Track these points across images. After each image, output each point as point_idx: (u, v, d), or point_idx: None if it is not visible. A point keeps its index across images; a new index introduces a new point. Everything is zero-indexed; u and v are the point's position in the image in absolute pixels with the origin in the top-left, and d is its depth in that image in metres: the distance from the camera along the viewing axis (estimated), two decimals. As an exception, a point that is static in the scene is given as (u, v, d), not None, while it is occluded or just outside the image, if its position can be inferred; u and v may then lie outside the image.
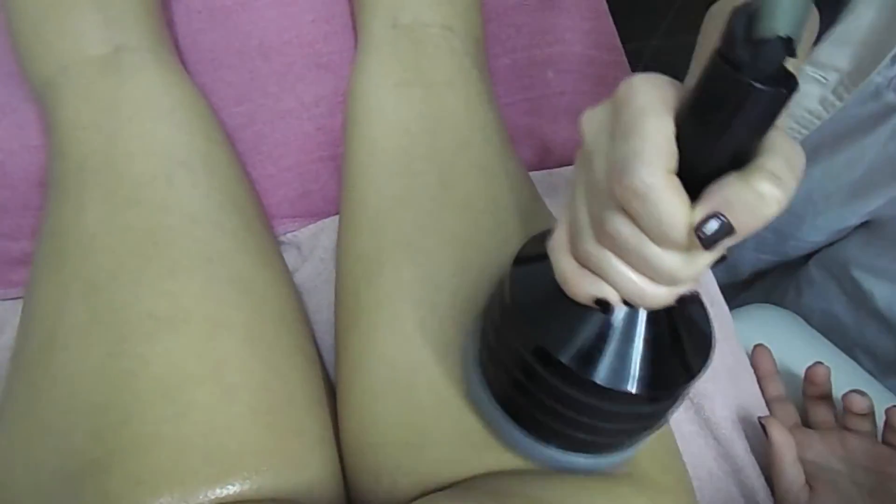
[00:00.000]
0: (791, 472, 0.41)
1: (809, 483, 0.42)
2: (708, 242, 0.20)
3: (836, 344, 0.55)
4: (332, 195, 0.50)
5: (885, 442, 0.42)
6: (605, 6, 0.57)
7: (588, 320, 0.24)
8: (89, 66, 0.41)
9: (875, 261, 0.56)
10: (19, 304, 0.44)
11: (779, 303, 0.60)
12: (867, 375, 0.51)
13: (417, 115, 0.42)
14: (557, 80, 0.53)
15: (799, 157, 0.20)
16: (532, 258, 0.27)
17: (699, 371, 0.25)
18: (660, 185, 0.20)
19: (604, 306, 0.24)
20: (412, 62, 0.44)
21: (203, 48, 0.53)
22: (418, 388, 0.34)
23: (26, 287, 0.38)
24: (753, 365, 0.48)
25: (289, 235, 0.49)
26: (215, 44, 0.53)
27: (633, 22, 0.56)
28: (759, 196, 0.19)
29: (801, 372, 0.48)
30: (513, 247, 0.29)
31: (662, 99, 0.20)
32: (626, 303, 0.24)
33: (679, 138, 0.20)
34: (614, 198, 0.21)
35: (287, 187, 0.50)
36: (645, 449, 0.33)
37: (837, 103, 0.49)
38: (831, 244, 0.62)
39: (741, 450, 0.43)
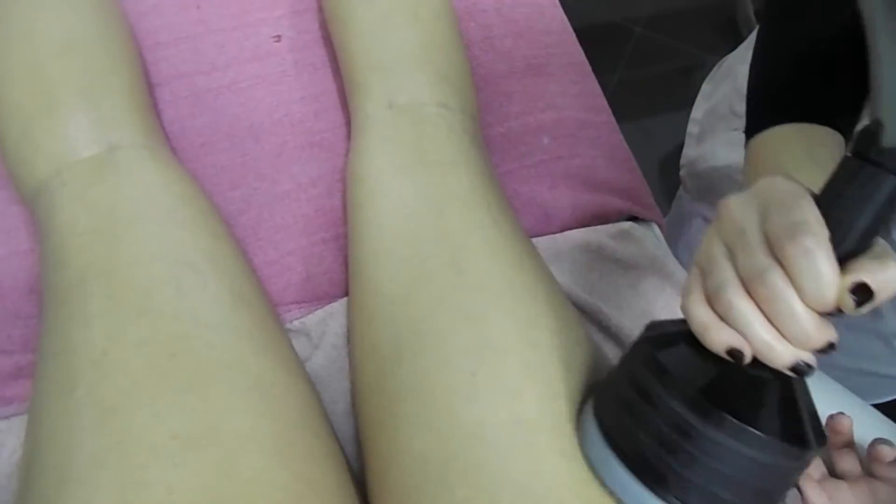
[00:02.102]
0: (829, 528, 0.41)
1: (847, 537, 0.41)
2: (858, 304, 0.25)
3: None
4: (338, 277, 0.49)
5: (913, 488, 0.42)
6: (589, 67, 0.59)
7: (720, 365, 0.28)
8: (83, 168, 0.40)
9: None
10: (14, 422, 0.41)
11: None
12: (883, 417, 0.51)
13: (423, 197, 0.41)
14: (553, 145, 0.53)
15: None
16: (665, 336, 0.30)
17: (817, 445, 0.28)
18: (822, 250, 0.25)
19: (736, 357, 0.27)
20: (412, 143, 0.43)
21: (192, 134, 0.52)
22: (451, 481, 0.33)
23: (31, 412, 0.35)
24: (773, 417, 0.48)
25: (296, 323, 0.47)
26: (204, 128, 0.52)
27: (594, 57, 0.58)
28: (890, 273, 0.25)
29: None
30: (530, 324, 0.31)
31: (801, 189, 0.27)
32: (756, 362, 0.27)
33: None
34: (776, 255, 0.26)
35: (290, 272, 0.48)
36: None
37: None
38: None
39: (776, 509, 0.43)
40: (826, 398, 0.52)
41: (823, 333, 0.26)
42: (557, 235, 0.51)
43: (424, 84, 0.46)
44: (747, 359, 0.27)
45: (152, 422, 0.32)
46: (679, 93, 1.03)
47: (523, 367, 0.34)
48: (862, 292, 0.25)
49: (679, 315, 0.30)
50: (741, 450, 0.27)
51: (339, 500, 0.34)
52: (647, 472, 0.29)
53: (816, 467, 0.46)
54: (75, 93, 0.41)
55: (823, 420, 0.47)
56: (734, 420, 0.27)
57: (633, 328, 0.47)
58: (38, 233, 0.41)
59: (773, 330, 0.26)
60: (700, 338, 0.27)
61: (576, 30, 0.60)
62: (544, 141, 0.53)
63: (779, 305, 0.25)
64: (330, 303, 0.48)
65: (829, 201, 0.26)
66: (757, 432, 0.27)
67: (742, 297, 0.26)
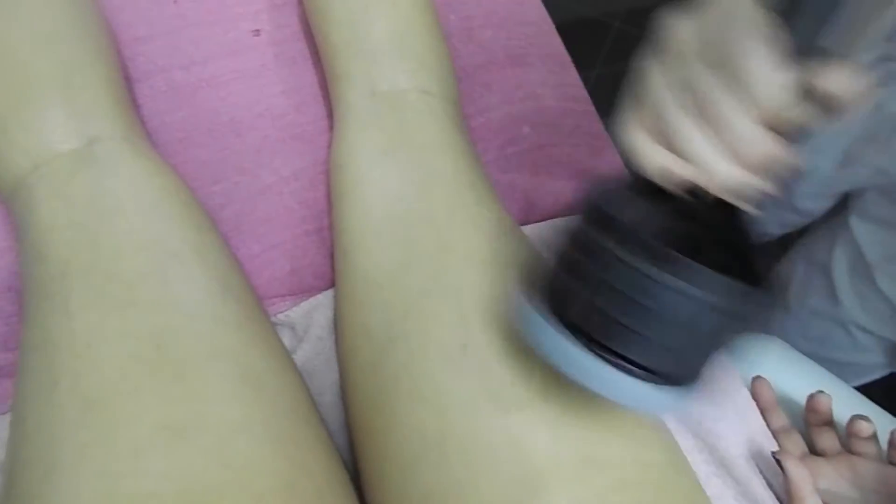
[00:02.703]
0: (811, 504, 0.42)
1: (829, 512, 0.42)
2: (802, 106, 0.23)
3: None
4: (322, 270, 0.49)
5: (891, 462, 0.43)
6: (569, 57, 0.59)
7: (663, 207, 0.26)
8: (62, 162, 0.39)
9: (878, 214, 0.61)
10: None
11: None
12: (860, 396, 0.53)
13: (409, 181, 0.41)
14: (534, 134, 0.54)
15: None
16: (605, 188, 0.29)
17: (769, 285, 0.27)
18: (762, 46, 0.23)
19: (672, 179, 0.26)
20: (395, 129, 0.44)
21: (171, 129, 0.51)
22: (448, 452, 0.33)
23: (14, 408, 0.35)
24: (754, 397, 0.49)
25: (281, 316, 0.47)
26: (184, 123, 0.52)
27: (573, 52, 0.59)
28: (842, 77, 0.23)
29: (797, 398, 0.49)
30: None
31: None
32: (696, 195, 0.26)
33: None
34: (716, 61, 0.24)
35: (274, 266, 0.48)
36: (669, 482, 0.34)
37: None
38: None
39: (759, 486, 0.44)
40: (805, 377, 0.53)
41: (768, 144, 0.24)
42: (541, 224, 0.52)
43: (405, 71, 0.46)
44: (683, 178, 0.25)
45: (140, 412, 0.31)
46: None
47: (513, 332, 0.35)
48: (808, 95, 0.23)
49: None
50: (699, 295, 0.25)
51: (332, 485, 0.34)
52: (601, 338, 0.27)
53: (797, 446, 0.47)
54: (52, 86, 0.41)
55: (803, 400, 0.48)
56: (693, 263, 0.25)
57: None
58: (16, 230, 0.41)
59: (716, 148, 0.25)
60: (638, 163, 0.27)
61: (555, 25, 0.61)
62: (525, 130, 0.54)
63: (716, 113, 0.24)
64: (314, 295, 0.48)
65: (783, 11, 0.24)
66: (719, 275, 0.25)
67: (679, 113, 0.25)
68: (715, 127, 0.24)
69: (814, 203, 0.68)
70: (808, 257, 0.73)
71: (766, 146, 0.24)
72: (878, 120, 0.54)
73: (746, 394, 0.48)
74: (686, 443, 0.44)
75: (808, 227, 0.75)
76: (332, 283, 0.48)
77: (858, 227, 0.63)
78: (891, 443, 0.43)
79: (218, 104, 0.53)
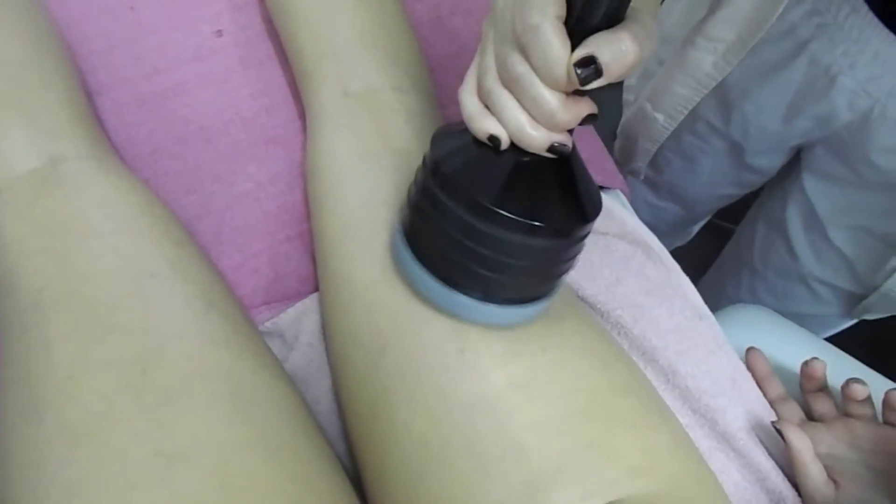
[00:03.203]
0: (814, 470, 0.42)
1: (831, 477, 0.43)
2: (583, 79, 0.25)
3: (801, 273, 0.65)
4: (307, 274, 0.48)
5: (886, 422, 0.44)
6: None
7: (491, 161, 0.29)
8: (25, 184, 0.38)
9: (827, 170, 0.64)
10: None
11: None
12: (852, 360, 0.53)
13: (391, 183, 0.40)
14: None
15: (654, 29, 0.26)
16: (449, 133, 0.32)
17: (593, 217, 0.31)
18: (548, 25, 0.25)
19: (495, 143, 0.28)
20: (373, 131, 0.43)
21: (140, 141, 0.50)
22: (454, 457, 0.32)
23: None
24: (749, 368, 0.49)
25: (269, 324, 0.46)
26: (152, 134, 0.50)
27: None
28: (622, 47, 0.25)
29: (791, 366, 0.50)
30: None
31: None
32: (515, 147, 0.28)
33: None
34: (516, 39, 0.26)
35: (258, 275, 0.47)
36: (675, 464, 0.34)
37: (727, 67, 0.58)
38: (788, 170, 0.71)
39: (761, 456, 0.44)
40: (797, 345, 0.53)
41: (570, 112, 0.26)
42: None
43: (376, 69, 0.45)
44: (504, 144, 0.28)
45: (132, 441, 0.30)
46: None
47: (511, 336, 0.34)
48: (586, 66, 0.25)
49: None
50: (520, 240, 0.29)
51: (337, 498, 0.34)
52: (446, 273, 0.32)
53: (795, 413, 0.47)
54: (7, 109, 0.39)
55: (797, 367, 0.48)
56: (507, 214, 0.28)
57: (607, 298, 0.47)
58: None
59: (527, 115, 0.27)
60: (469, 127, 0.29)
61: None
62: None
63: (522, 88, 0.26)
64: (301, 300, 0.47)
65: None
66: (530, 222, 0.28)
67: (498, 84, 0.27)
68: (521, 98, 0.27)
69: (766, 160, 0.70)
70: (766, 216, 0.76)
71: (567, 113, 0.26)
72: (814, 72, 0.57)
73: (741, 365, 0.48)
74: (686, 420, 0.44)
75: (765, 186, 0.77)
76: (318, 287, 0.47)
77: (809, 182, 0.66)
78: (886, 403, 0.43)
79: (186, 112, 0.51)
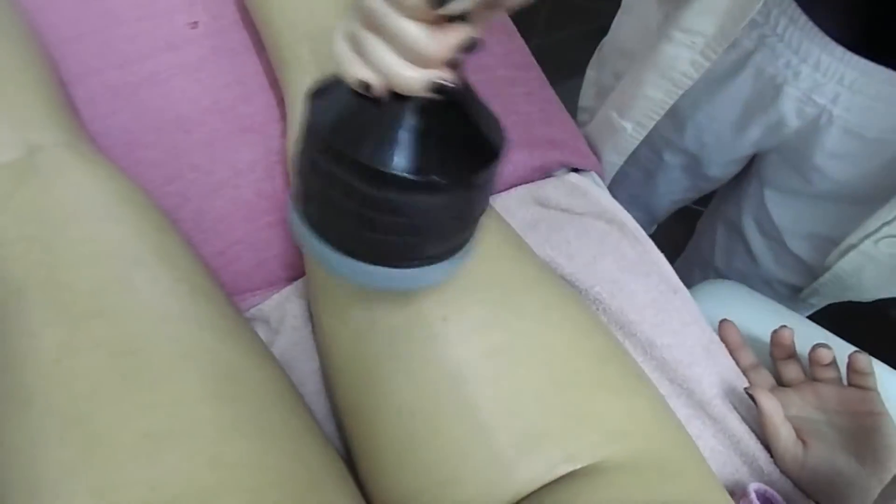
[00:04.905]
0: (784, 431, 0.44)
1: (800, 437, 0.45)
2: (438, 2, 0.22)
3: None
4: (290, 259, 0.48)
5: (850, 384, 0.46)
6: (513, 26, 0.59)
7: (373, 114, 0.26)
8: (3, 175, 0.37)
9: (781, 180, 0.65)
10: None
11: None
12: (818, 328, 0.55)
13: None
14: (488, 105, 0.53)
15: None
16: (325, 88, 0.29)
17: (492, 162, 0.27)
18: None
19: (369, 90, 0.26)
20: None
21: (115, 131, 0.49)
22: (442, 427, 0.33)
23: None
24: (722, 339, 0.51)
25: (253, 310, 0.46)
26: (128, 124, 0.50)
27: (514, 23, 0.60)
28: None
29: (761, 337, 0.52)
30: (491, 260, 0.31)
31: None
32: (399, 95, 0.25)
33: None
34: None
35: (240, 261, 0.47)
36: (655, 428, 0.35)
37: (705, 63, 0.54)
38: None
39: (735, 421, 0.46)
40: (767, 315, 0.55)
41: (439, 42, 0.24)
42: (503, 193, 0.52)
43: None
44: (378, 90, 0.25)
45: (121, 423, 0.30)
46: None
47: (490, 301, 0.35)
48: None
49: None
50: (420, 199, 0.26)
51: (328, 472, 0.34)
52: (335, 238, 0.29)
53: (766, 380, 0.49)
54: None
55: (768, 338, 0.50)
56: (398, 173, 0.25)
57: (585, 275, 0.48)
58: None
59: (395, 54, 0.24)
60: (358, 89, 0.26)
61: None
62: (479, 102, 0.53)
63: (382, 24, 0.24)
64: (286, 286, 0.47)
65: None
66: (426, 178, 0.25)
67: (362, 26, 0.25)
68: (384, 35, 0.24)
69: (722, 170, 0.71)
70: (724, 220, 0.77)
71: (436, 43, 0.24)
72: (761, 83, 0.57)
73: (714, 336, 0.50)
74: (664, 389, 0.46)
75: (720, 187, 0.78)
76: (302, 273, 0.47)
77: (766, 194, 0.67)
78: (849, 366, 0.46)
79: (161, 102, 0.51)
